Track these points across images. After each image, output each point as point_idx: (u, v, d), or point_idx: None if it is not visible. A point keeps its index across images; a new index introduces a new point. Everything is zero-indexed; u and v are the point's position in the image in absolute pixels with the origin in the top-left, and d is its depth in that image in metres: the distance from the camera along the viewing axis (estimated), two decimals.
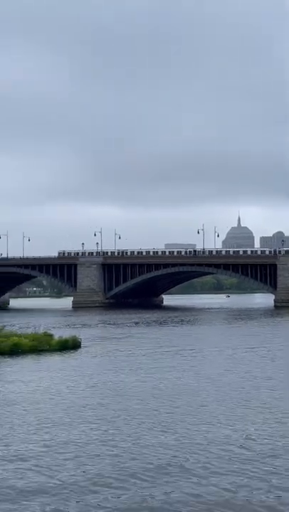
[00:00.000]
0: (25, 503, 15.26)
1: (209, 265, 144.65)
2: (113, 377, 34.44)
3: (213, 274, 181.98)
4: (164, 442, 20.53)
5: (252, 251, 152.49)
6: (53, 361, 42.50)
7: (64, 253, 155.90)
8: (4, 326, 57.04)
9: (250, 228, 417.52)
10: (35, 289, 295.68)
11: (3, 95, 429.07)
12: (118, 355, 46.08)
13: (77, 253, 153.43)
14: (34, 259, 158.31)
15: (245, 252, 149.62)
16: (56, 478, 16.93)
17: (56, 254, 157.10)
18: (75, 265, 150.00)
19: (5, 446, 20.33)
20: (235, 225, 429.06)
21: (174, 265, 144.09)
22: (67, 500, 15.38)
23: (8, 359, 43.02)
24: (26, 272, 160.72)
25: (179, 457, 18.81)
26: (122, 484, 16.50)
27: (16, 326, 67.79)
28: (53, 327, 68.85)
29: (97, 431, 22.15)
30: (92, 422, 23.61)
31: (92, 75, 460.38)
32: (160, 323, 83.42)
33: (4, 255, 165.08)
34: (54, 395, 29.26)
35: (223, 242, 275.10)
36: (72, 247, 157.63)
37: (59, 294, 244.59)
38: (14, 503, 15.25)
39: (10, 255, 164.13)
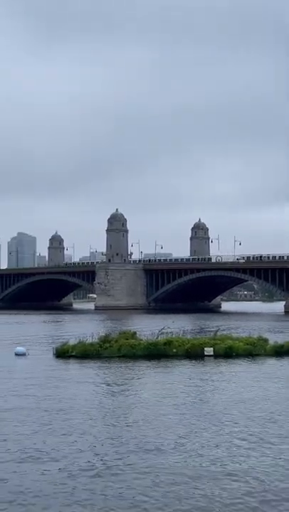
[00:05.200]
0: None
1: None
2: None
3: None
4: None
5: None
6: (274, 366, 41.40)
7: (276, 257, 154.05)
8: (219, 328, 57.31)
9: None
10: (246, 292, 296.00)
11: (222, 102, 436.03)
12: None
13: (288, 256, 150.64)
14: (244, 262, 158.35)
15: None
16: None
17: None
18: (287, 269, 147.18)
19: None
20: None
21: None
22: None
23: (224, 362, 42.90)
24: (237, 275, 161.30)
25: None
26: None
27: (229, 329, 67.91)
28: (266, 331, 67.76)
29: None
30: None
31: None
32: None
33: (214, 260, 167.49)
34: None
35: None
36: (284, 250, 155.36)
37: (270, 298, 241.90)
38: None
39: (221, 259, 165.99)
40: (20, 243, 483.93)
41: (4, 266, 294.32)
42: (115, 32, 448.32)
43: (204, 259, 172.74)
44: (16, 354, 46.99)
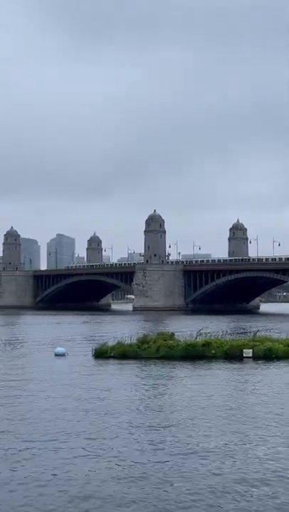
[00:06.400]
0: None
1: None
2: None
3: None
4: None
5: None
6: None
7: None
8: (258, 329, 56.87)
9: None
10: (285, 293, 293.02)
11: (257, 103, 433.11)
12: None
13: None
14: (284, 263, 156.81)
15: None
16: None
17: None
18: None
19: None
20: None
21: None
22: None
23: (263, 364, 42.52)
24: (275, 276, 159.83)
25: None
26: None
27: (268, 330, 67.37)
28: None
29: None
30: None
31: None
32: None
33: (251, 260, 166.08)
34: None
35: None
36: None
37: None
38: None
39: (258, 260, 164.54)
40: (60, 244, 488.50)
41: (44, 267, 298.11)
42: (150, 33, 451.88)
43: (243, 259, 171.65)
44: (56, 354, 47.52)
